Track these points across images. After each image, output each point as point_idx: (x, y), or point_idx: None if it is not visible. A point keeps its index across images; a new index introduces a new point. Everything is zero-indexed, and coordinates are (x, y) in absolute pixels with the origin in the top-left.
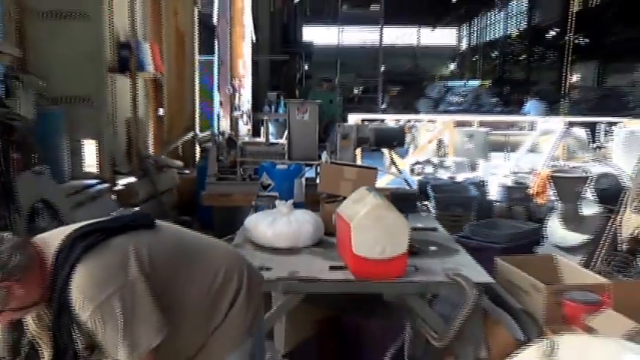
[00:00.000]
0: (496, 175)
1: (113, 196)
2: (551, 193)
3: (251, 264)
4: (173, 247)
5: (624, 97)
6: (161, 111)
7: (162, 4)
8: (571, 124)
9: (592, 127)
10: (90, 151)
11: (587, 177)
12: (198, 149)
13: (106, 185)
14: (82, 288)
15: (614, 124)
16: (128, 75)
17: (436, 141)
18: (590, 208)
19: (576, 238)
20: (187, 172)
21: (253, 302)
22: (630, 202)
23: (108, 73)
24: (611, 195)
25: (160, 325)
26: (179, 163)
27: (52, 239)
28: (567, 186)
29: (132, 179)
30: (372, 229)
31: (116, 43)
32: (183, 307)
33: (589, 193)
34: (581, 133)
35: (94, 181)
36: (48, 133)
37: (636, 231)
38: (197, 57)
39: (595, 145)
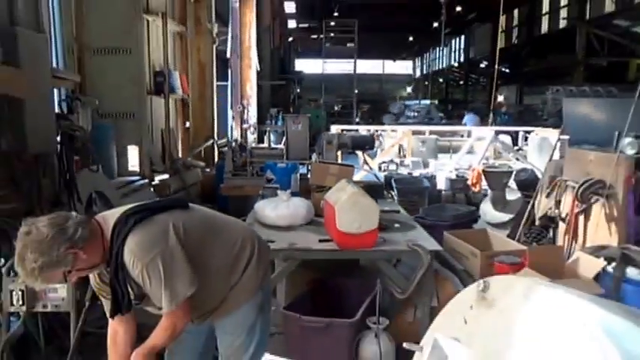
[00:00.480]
0: (443, 171)
1: (151, 189)
2: (484, 184)
3: (260, 236)
4: (202, 222)
5: (537, 112)
6: (187, 124)
7: (187, 42)
8: (498, 132)
9: (514, 135)
10: (133, 154)
11: (511, 171)
12: (216, 153)
13: (146, 181)
14: (133, 251)
15: (530, 132)
16: (162, 96)
17: (397, 145)
18: (513, 195)
19: (503, 217)
20: (208, 170)
21: (262, 265)
22: (542, 189)
23: (147, 95)
24: (528, 184)
25: (192, 280)
26: (202, 163)
27: (109, 217)
28: (496, 178)
29: (165, 176)
30: (351, 211)
31: (153, 71)
32: (210, 267)
33: (512, 183)
34: (506, 139)
35: (136, 178)
36: (101, 140)
37: (547, 211)
38: (215, 82)
39: (516, 148)
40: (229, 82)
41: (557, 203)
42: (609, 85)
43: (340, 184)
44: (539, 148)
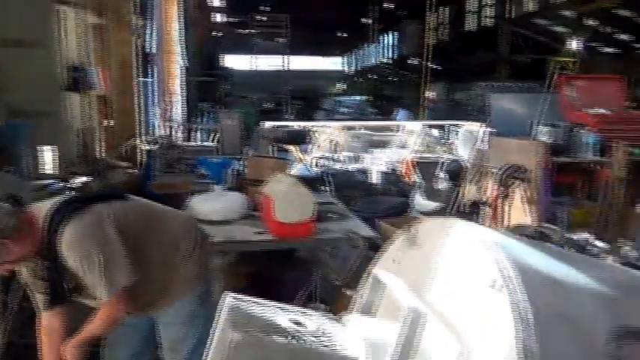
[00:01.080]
0: (376, 165)
1: (71, 192)
2: (415, 175)
3: (200, 227)
4: (141, 212)
5: (465, 106)
6: (109, 122)
7: (107, 35)
8: (429, 127)
9: (443, 128)
10: (49, 155)
11: (439, 162)
12: (142, 152)
13: (63, 184)
14: (68, 241)
15: (458, 125)
16: (80, 93)
17: (331, 141)
18: (442, 184)
19: (433, 205)
20: (133, 170)
21: (203, 255)
22: (468, 178)
23: (63, 91)
24: (456, 174)
25: (131, 269)
26: (126, 163)
27: (42, 207)
28: (426, 169)
29: (86, 178)
30: (288, 201)
31: (70, 66)
32: (149, 258)
33: (441, 174)
34: (435, 132)
35: (52, 181)
36: (14, 140)
37: (473, 197)
38: (138, 79)
39: (445, 141)
40: (153, 79)
41: (482, 189)
42: (532, 81)
43: (276, 177)
44: (467, 140)
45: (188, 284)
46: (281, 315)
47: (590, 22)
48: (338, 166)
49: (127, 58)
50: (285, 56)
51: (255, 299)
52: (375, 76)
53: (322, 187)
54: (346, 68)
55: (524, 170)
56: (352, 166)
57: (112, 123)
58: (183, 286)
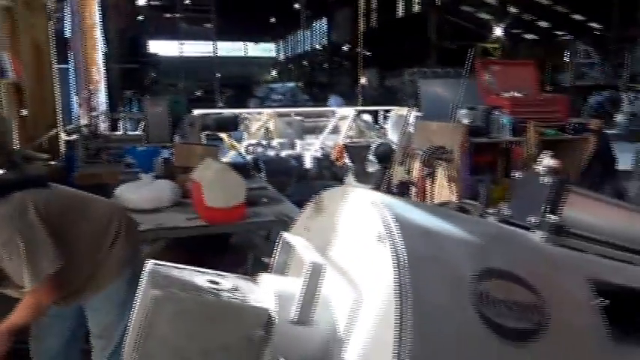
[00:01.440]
0: (309, 150)
1: None
2: (346, 159)
3: (127, 212)
4: (64, 199)
5: (396, 92)
6: (24, 111)
7: (18, 18)
8: (360, 112)
9: (375, 114)
10: None
11: (369, 145)
12: (62, 142)
13: None
14: None
15: (389, 110)
16: None
17: (264, 128)
18: (372, 166)
19: (364, 187)
20: (53, 162)
21: (130, 241)
22: (396, 160)
23: None
24: (386, 156)
25: (56, 256)
26: (45, 155)
27: None
28: (356, 152)
29: (0, 171)
30: (217, 186)
31: None
32: (75, 244)
33: (372, 157)
34: (367, 118)
35: None
36: None
37: (401, 177)
38: (54, 65)
39: (377, 126)
40: (71, 65)
41: (409, 170)
42: (459, 67)
43: (205, 163)
44: (397, 124)
45: (115, 270)
46: (198, 276)
47: (513, 10)
48: (271, 152)
49: (41, 44)
50: (214, 42)
51: (175, 265)
52: (308, 63)
53: (255, 174)
54: (278, 55)
55: (446, 151)
56: (285, 153)
57: (28, 113)
58: (111, 272)
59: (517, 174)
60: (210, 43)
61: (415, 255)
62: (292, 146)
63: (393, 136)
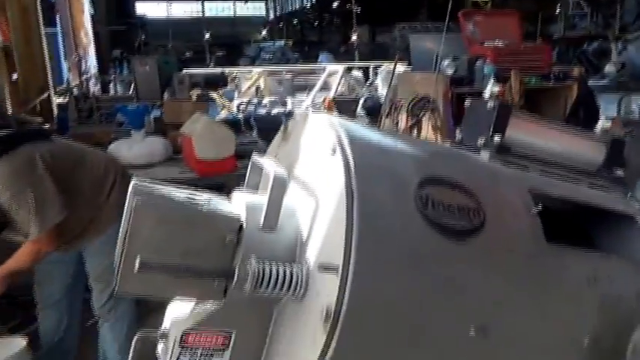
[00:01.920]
0: (300, 107)
1: None
2: (335, 113)
3: (120, 161)
4: (66, 150)
5: (387, 49)
6: (15, 76)
7: None
8: (350, 69)
9: (365, 70)
10: None
11: (358, 99)
12: (55, 105)
13: None
14: (1, 179)
15: (379, 66)
16: None
17: (255, 87)
18: (361, 120)
19: None
20: (47, 125)
21: (127, 187)
22: (384, 112)
23: None
24: (374, 110)
25: (62, 207)
26: (39, 119)
27: None
28: (345, 106)
29: None
30: (208, 138)
31: None
32: (76, 193)
33: (360, 110)
34: (357, 74)
35: None
36: None
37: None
38: (42, 28)
39: (368, 82)
40: (58, 29)
41: (396, 122)
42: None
43: (194, 117)
44: (387, 80)
45: (113, 216)
46: (177, 191)
47: None
48: (262, 110)
49: (29, 6)
50: (202, 2)
51: (157, 183)
52: (298, 21)
53: (247, 131)
54: (267, 14)
55: (430, 101)
56: (276, 110)
57: (18, 77)
58: (109, 218)
59: (467, 101)
60: (199, 3)
61: (363, 164)
62: (283, 104)
63: (383, 91)
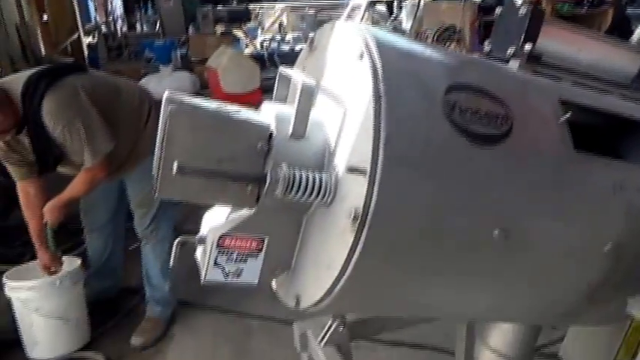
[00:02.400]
0: None
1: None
2: None
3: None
4: (103, 82)
5: None
6: (45, 17)
7: None
8: (374, 3)
9: (389, 4)
10: None
11: None
12: (85, 46)
13: None
14: (51, 112)
15: (404, 0)
16: None
17: (277, 23)
18: None
19: None
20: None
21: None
22: None
23: None
24: None
25: (111, 136)
26: (70, 59)
27: (12, 83)
28: None
29: None
30: (234, 71)
31: None
32: (118, 122)
33: None
34: (381, 8)
35: None
36: None
37: None
38: None
39: (393, 16)
40: None
41: None
42: None
43: (220, 50)
44: (411, 14)
45: (151, 144)
46: (208, 101)
47: None
48: (285, 47)
49: None
50: None
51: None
52: None
53: (271, 67)
54: None
55: (456, 30)
56: (300, 46)
57: (49, 18)
58: (147, 147)
59: (497, 9)
60: None
61: (391, 68)
62: (306, 40)
63: (407, 25)
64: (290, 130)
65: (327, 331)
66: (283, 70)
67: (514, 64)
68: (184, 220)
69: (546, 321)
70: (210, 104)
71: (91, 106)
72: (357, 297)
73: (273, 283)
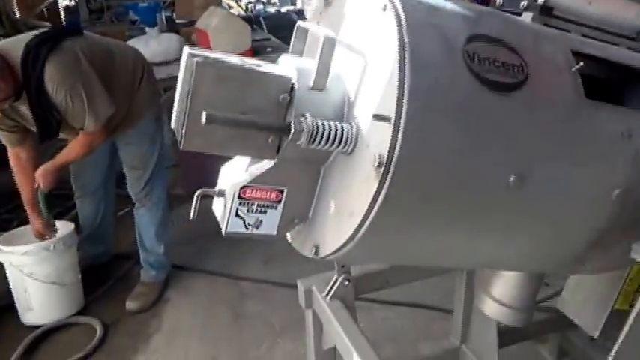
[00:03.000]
0: (310, 5)
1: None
2: None
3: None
4: (100, 45)
5: None
6: None
7: None
8: None
9: None
10: None
11: None
12: (62, 9)
13: None
14: (54, 78)
15: None
16: None
17: None
18: None
19: None
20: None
21: (152, 79)
22: None
23: None
24: None
25: (111, 100)
26: (47, 23)
27: (10, 48)
28: None
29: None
30: (224, 32)
31: None
32: (114, 85)
33: None
34: None
35: None
36: None
37: None
38: None
39: None
40: None
41: None
42: None
43: (209, 10)
44: None
45: (144, 107)
46: (228, 55)
47: None
48: (271, 9)
49: None
50: None
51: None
52: None
53: (257, 29)
54: None
55: None
56: (286, 8)
57: None
58: (140, 109)
59: None
60: None
61: (414, 19)
62: (292, 2)
63: None
64: (311, 82)
65: (333, 285)
66: (301, 23)
67: (527, 17)
68: (173, 185)
69: (553, 268)
70: (232, 58)
71: (91, 70)
72: (376, 244)
73: (288, 235)
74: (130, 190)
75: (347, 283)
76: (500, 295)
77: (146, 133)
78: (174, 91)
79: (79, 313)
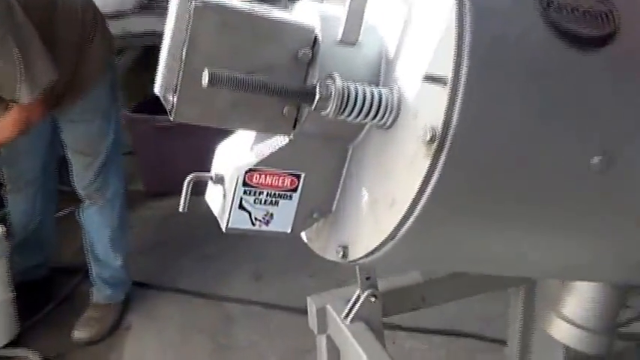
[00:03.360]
0: None
1: None
2: None
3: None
4: None
5: None
6: None
7: None
8: None
9: None
10: None
11: None
12: None
13: None
14: None
15: None
16: None
17: None
18: None
19: None
20: None
21: (107, 34)
22: None
23: None
24: None
25: (53, 64)
26: None
27: None
28: None
29: None
30: None
31: None
32: (57, 39)
33: None
34: None
35: None
36: None
37: None
38: None
39: None
40: None
41: None
42: None
43: None
44: None
45: (96, 71)
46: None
47: None
48: None
49: None
50: None
51: None
52: None
53: None
54: None
55: None
56: None
57: None
58: (91, 73)
59: None
60: None
61: None
62: None
63: None
64: (339, 35)
65: (355, 302)
66: None
67: None
68: (130, 178)
69: None
70: (238, 2)
71: (27, 22)
72: (425, 242)
73: (304, 235)
74: (75, 183)
75: (373, 299)
76: (574, 315)
77: (98, 106)
78: (131, 54)
79: (12, 344)
